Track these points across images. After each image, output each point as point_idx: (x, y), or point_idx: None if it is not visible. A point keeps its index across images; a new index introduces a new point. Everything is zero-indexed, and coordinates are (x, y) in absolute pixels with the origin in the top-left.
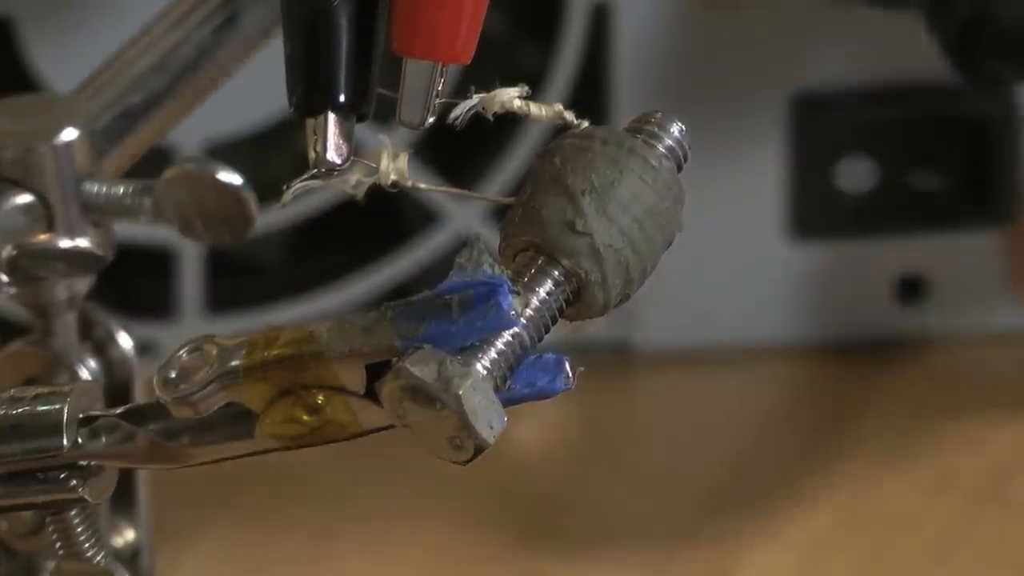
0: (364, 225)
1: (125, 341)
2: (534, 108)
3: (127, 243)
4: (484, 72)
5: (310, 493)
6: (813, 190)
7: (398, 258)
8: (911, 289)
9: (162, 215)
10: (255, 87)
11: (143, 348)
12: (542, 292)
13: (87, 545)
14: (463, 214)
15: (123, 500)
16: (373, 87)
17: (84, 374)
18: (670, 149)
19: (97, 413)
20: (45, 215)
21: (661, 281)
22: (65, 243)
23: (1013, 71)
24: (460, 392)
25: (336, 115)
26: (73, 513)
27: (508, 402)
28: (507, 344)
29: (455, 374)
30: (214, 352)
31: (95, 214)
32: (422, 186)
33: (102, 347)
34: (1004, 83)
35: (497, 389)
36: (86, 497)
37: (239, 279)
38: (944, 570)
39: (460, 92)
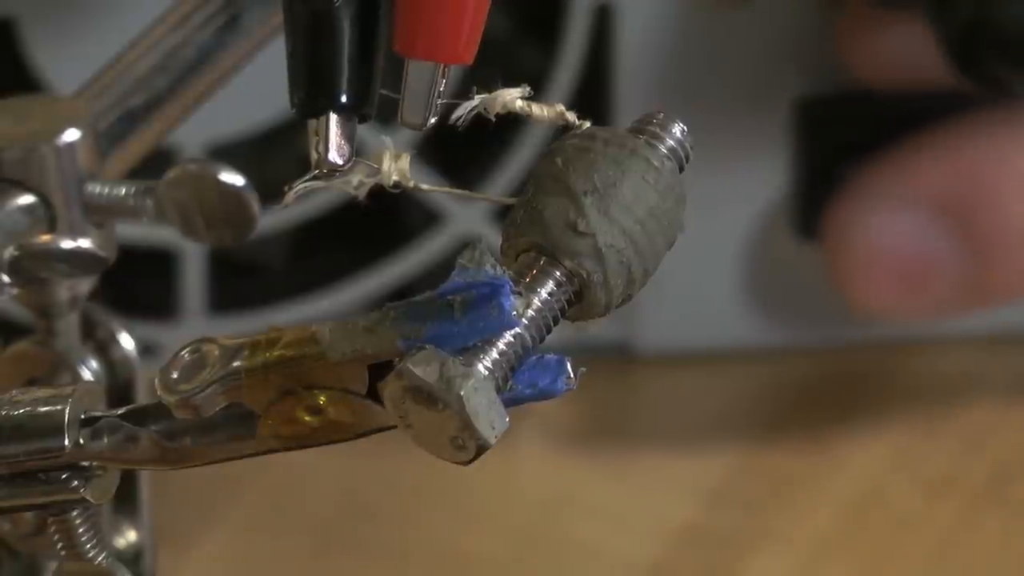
0: (366, 226)
1: (127, 342)
2: (536, 109)
3: (129, 244)
4: (486, 73)
5: (312, 494)
6: (816, 191)
7: (400, 259)
8: None
9: (164, 216)
10: (257, 88)
11: (145, 349)
12: (544, 293)
13: (89, 546)
14: (465, 215)
15: (125, 501)
16: (375, 88)
17: (86, 375)
18: (672, 150)
19: (99, 414)
20: (47, 216)
21: (663, 282)
22: (67, 244)
23: (1015, 74)
24: (462, 392)
25: (338, 116)
26: (75, 514)
27: (510, 402)
28: (509, 345)
29: (457, 374)
30: (216, 353)
31: (97, 215)
32: (424, 187)
33: (104, 348)
34: (1006, 85)
35: (499, 390)
36: (88, 498)
37: (241, 280)
38: (945, 570)
39: (462, 93)
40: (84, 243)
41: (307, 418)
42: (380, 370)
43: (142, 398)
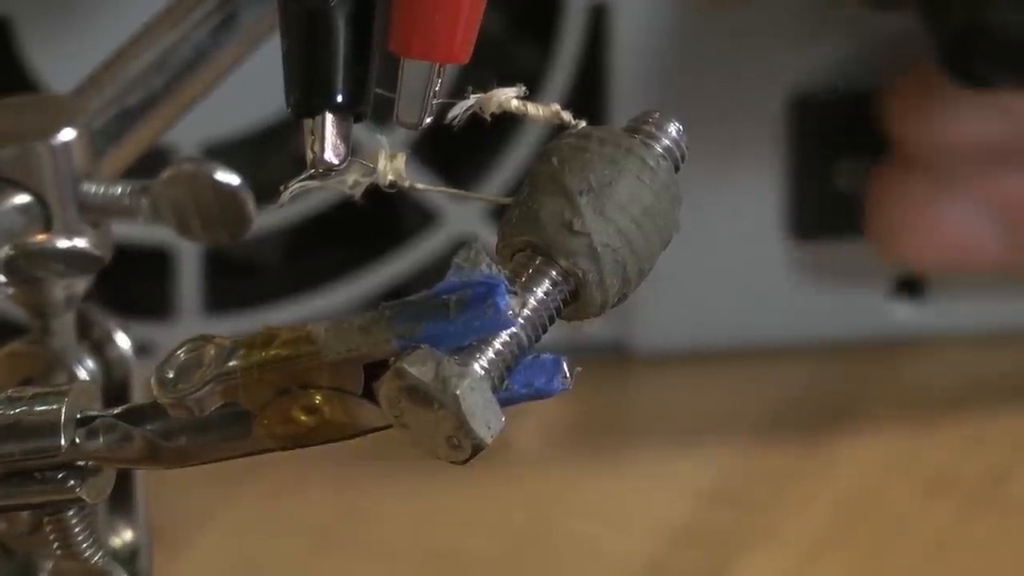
0: (361, 225)
1: (123, 341)
2: (532, 108)
3: (125, 243)
4: (482, 72)
5: (308, 493)
6: (812, 190)
7: (396, 258)
8: (910, 289)
9: (160, 215)
10: (253, 87)
11: (141, 348)
12: (540, 292)
13: (85, 545)
14: (461, 214)
15: (121, 500)
16: (371, 87)
17: (82, 374)
18: (668, 149)
19: (95, 413)
20: (43, 215)
21: (659, 281)
22: (63, 243)
23: (1007, 78)
24: (458, 392)
25: (334, 115)
26: (71, 513)
27: (506, 402)
28: (505, 344)
29: (453, 374)
30: (212, 352)
31: (93, 214)
32: (420, 186)
33: (100, 347)
34: (998, 89)
35: (495, 389)
36: (84, 497)
37: (237, 279)
38: (943, 570)
39: (458, 92)
40: (80, 242)
41: (303, 418)
42: (375, 370)
43: (138, 397)
